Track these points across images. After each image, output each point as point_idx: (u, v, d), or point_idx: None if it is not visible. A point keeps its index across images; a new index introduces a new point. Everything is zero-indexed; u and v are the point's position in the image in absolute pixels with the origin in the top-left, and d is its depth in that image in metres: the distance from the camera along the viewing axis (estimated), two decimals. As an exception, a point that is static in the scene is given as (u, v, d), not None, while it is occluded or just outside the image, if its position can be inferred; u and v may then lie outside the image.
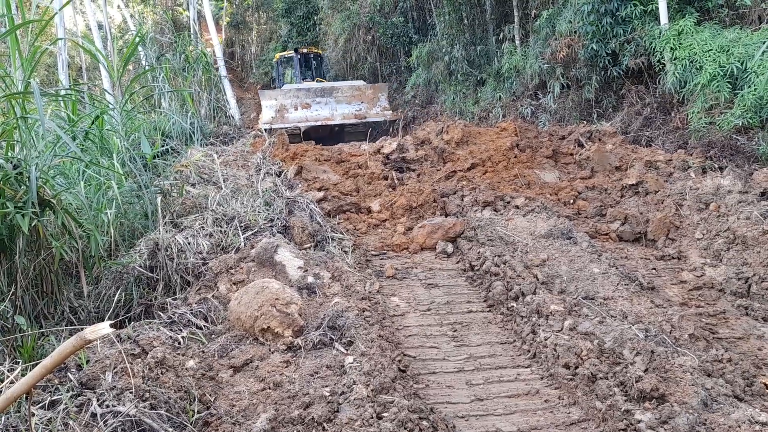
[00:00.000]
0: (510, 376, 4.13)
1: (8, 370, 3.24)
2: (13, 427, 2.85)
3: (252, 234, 5.97)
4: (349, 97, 16.89)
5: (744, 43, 8.83)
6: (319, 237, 6.39)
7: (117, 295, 5.05)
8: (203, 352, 4.03)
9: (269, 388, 3.58)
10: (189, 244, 5.54)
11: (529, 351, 4.43)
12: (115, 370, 3.35)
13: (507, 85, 14.98)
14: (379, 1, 19.93)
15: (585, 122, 11.47)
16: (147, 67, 16.53)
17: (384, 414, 3.16)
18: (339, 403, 3.27)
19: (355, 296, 4.86)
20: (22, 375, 2.99)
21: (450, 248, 6.75)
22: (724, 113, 8.88)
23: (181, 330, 4.25)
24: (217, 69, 21.07)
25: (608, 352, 3.93)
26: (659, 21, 10.44)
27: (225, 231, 5.97)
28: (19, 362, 3.50)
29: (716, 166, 7.89)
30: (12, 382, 2.92)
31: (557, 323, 4.48)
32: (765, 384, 3.66)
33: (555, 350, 4.16)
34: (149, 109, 14.37)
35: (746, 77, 8.57)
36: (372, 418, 3.10)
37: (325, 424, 3.11)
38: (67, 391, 3.16)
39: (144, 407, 3.06)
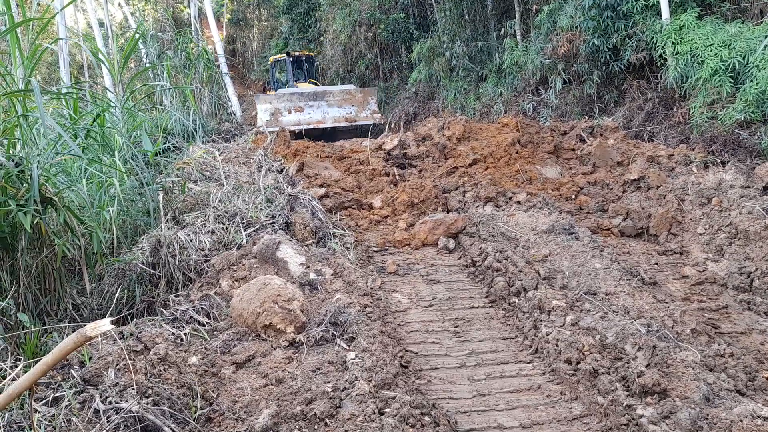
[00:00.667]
0: (512, 372, 4.13)
1: (11, 367, 3.26)
2: (16, 423, 2.87)
3: (254, 231, 5.98)
4: (340, 101, 17.39)
5: (746, 37, 8.81)
6: (321, 233, 6.40)
7: (119, 292, 5.06)
8: (206, 348, 4.04)
9: (271, 384, 3.59)
10: (191, 241, 5.55)
11: (530, 346, 4.43)
12: (117, 367, 3.36)
13: (508, 81, 14.96)
14: (380, -3, 19.97)
15: (586, 117, 11.44)
16: (148, 65, 16.54)
17: (386, 409, 3.17)
18: (341, 399, 3.27)
19: (357, 292, 4.86)
20: (25, 372, 2.99)
21: (452, 244, 6.75)
22: (726, 108, 8.86)
23: (183, 327, 4.26)
24: (218, 66, 21.07)
25: (610, 347, 3.93)
26: (660, 15, 10.42)
27: (227, 228, 5.98)
28: (21, 359, 3.51)
29: (718, 160, 7.87)
30: (14, 379, 2.93)
31: (559, 318, 4.48)
32: (767, 378, 3.66)
33: (557, 345, 4.16)
34: (151, 107, 14.37)
35: (748, 71, 8.55)
36: (374, 413, 3.10)
37: (327, 420, 3.12)
38: (70, 387, 3.18)
39: (147, 403, 3.07)
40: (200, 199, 6.76)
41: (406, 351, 4.39)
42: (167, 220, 6.02)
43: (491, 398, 3.80)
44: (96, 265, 5.41)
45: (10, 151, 4.88)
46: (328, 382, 3.48)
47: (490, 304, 5.29)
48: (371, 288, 5.21)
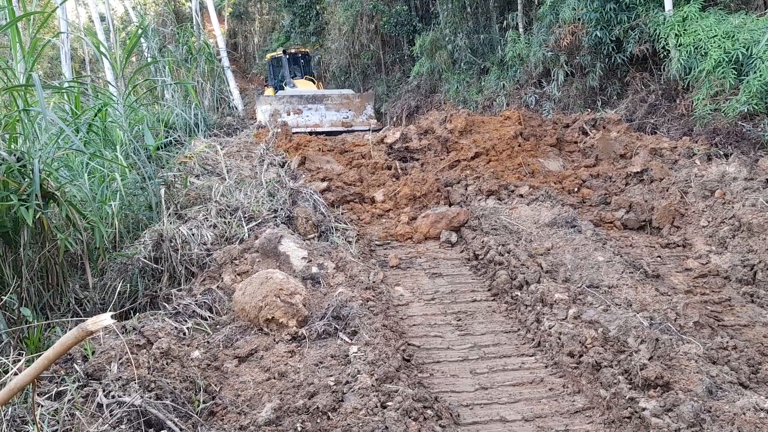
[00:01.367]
0: (514, 365, 4.13)
1: (14, 362, 3.26)
2: (19, 417, 2.88)
3: (256, 225, 5.98)
4: (338, 105, 17.57)
5: (749, 28, 8.75)
6: (323, 227, 6.39)
7: (122, 287, 5.07)
8: (208, 342, 4.05)
9: (274, 378, 3.59)
10: (193, 235, 5.55)
11: (533, 339, 4.43)
12: (120, 361, 3.37)
13: (511, 74, 14.89)
14: (383, -11, 19.91)
15: (589, 110, 11.39)
16: (150, 59, 16.51)
17: (388, 403, 3.17)
18: (343, 393, 3.28)
19: (359, 286, 4.86)
20: (27, 366, 3.00)
21: (454, 237, 6.74)
22: (729, 100, 8.81)
23: (185, 321, 4.27)
24: (219, 60, 21.05)
25: (613, 340, 3.93)
26: (663, 7, 10.35)
27: (229, 222, 5.98)
28: (24, 353, 3.52)
29: (721, 153, 7.83)
30: (16, 374, 2.93)
31: (561, 312, 4.48)
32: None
33: (559, 339, 4.16)
34: (152, 101, 14.34)
35: (752, 63, 8.50)
36: (376, 407, 3.11)
37: (329, 413, 3.12)
38: (73, 381, 3.19)
39: (149, 397, 3.07)
40: (202, 194, 6.77)
41: (409, 344, 4.39)
42: (169, 215, 6.02)
43: (494, 391, 3.81)
44: (98, 259, 5.42)
45: (12, 146, 4.88)
46: (331, 375, 3.48)
47: (492, 298, 5.29)
48: (373, 282, 5.21)
